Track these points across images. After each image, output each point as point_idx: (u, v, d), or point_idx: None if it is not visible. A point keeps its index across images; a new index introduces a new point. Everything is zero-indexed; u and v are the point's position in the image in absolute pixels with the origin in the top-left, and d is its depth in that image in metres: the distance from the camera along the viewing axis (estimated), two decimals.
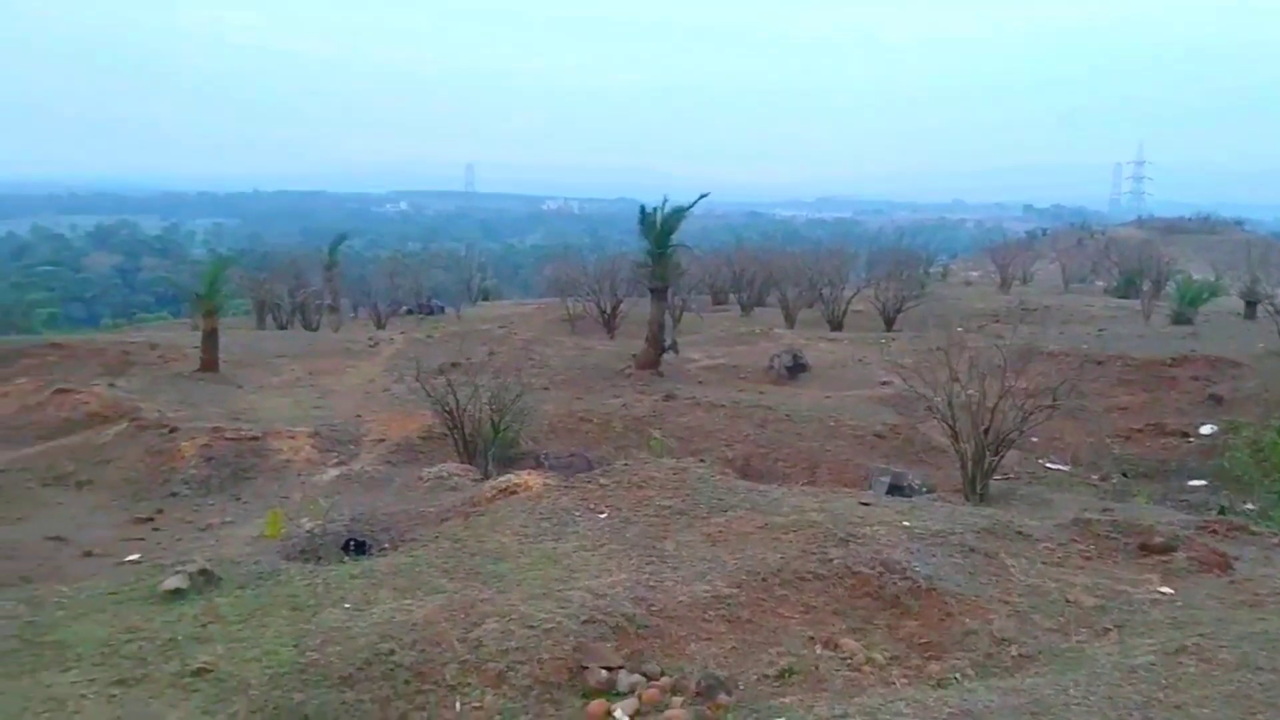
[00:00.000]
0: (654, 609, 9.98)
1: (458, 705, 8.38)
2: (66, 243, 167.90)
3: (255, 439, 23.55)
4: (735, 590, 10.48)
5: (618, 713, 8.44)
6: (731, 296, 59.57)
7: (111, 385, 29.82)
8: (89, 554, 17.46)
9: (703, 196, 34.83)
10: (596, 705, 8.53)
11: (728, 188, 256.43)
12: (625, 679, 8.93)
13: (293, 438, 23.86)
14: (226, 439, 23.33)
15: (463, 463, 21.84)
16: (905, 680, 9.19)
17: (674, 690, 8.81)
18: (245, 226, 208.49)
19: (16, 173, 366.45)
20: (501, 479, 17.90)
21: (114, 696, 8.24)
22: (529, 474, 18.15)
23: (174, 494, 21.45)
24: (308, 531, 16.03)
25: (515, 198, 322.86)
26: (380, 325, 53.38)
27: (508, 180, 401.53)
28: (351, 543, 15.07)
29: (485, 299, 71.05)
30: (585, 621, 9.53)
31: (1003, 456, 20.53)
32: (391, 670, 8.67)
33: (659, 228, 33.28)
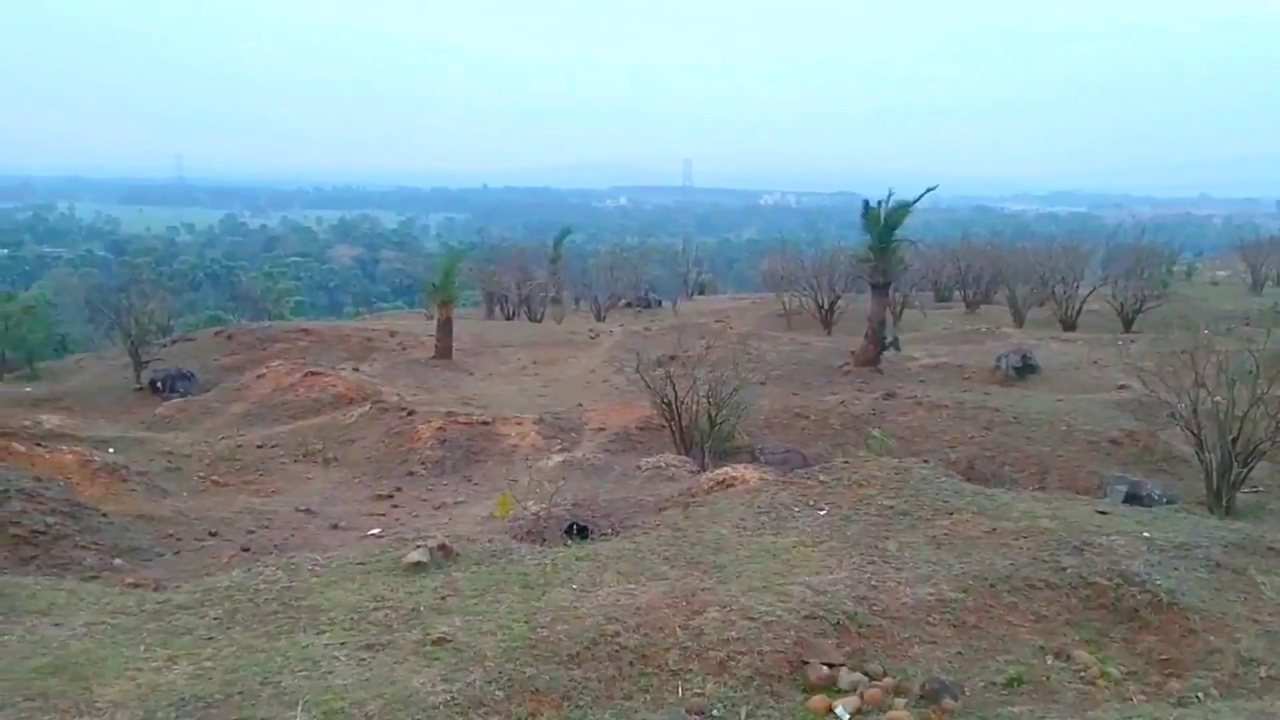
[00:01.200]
0: (876, 608, 9.89)
1: (680, 690, 8.57)
2: (313, 235, 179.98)
3: (485, 424, 24.65)
4: (961, 594, 10.26)
5: (839, 709, 8.43)
6: (956, 293, 57.72)
7: (356, 369, 31.89)
8: (335, 526, 18.74)
9: (929, 190, 33.99)
10: (818, 700, 8.55)
11: (953, 181, 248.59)
12: (847, 677, 8.90)
13: (519, 424, 24.82)
14: (459, 423, 24.51)
15: (679, 454, 22.18)
16: (1143, 697, 8.79)
17: (897, 691, 8.73)
18: (474, 221, 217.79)
19: (271, 171, 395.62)
20: (718, 471, 18.11)
21: (363, 660, 8.83)
22: (745, 468, 18.29)
23: (411, 473, 22.71)
24: (533, 514, 16.68)
25: (732, 192, 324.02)
26: (600, 317, 54.72)
27: (725, 175, 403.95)
28: (574, 526, 15.61)
29: (701, 293, 71.54)
30: (806, 617, 9.55)
31: (1252, 468, 19.13)
32: (616, 651, 8.94)
33: (882, 222, 32.69)
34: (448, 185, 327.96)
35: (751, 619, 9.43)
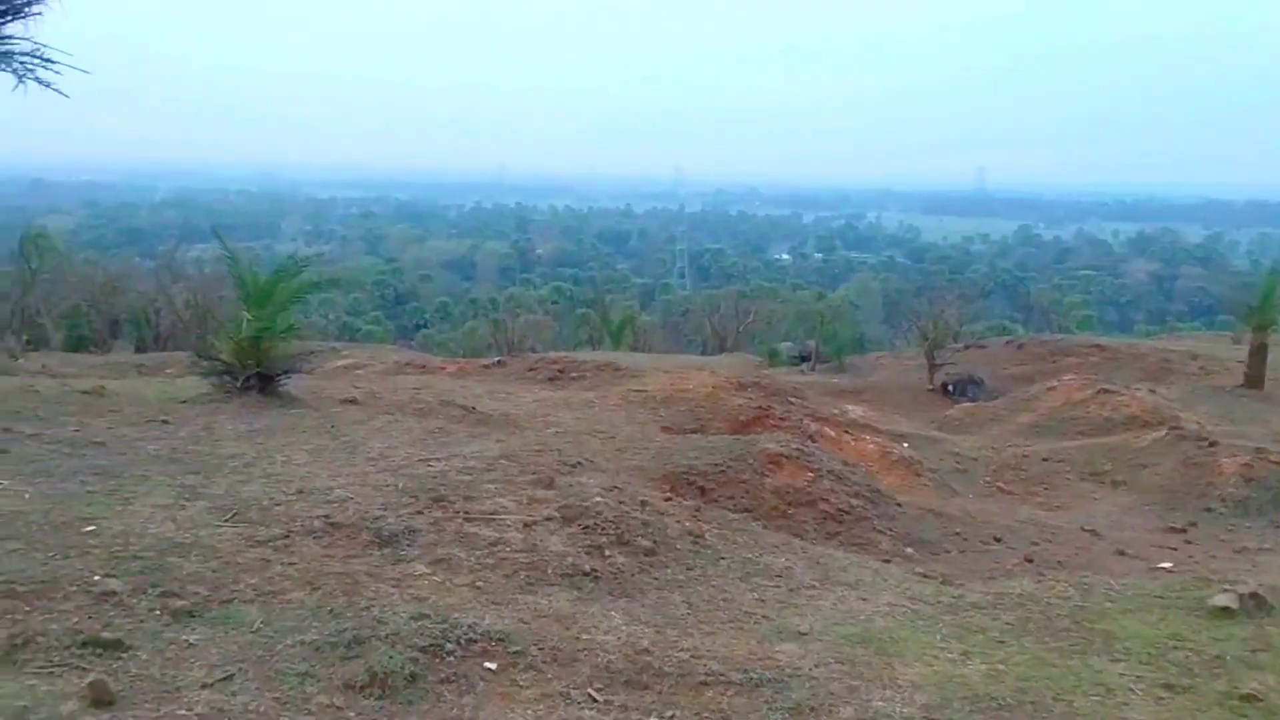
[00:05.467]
0: None
1: None
2: (1108, 249, 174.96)
3: None
4: None
5: None
6: None
7: (1151, 391, 30.23)
8: (1121, 553, 17.96)
9: None
10: None
11: None
12: None
13: None
14: (1271, 462, 21.95)
15: None
16: None
17: None
18: None
19: (1070, 183, 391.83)
20: None
21: (1161, 699, 8.36)
22: None
23: (1208, 509, 20.90)
24: None
25: None
26: None
27: None
28: None
29: None
30: None
31: None
32: None
33: None
34: (1266, 197, 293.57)
35: None
